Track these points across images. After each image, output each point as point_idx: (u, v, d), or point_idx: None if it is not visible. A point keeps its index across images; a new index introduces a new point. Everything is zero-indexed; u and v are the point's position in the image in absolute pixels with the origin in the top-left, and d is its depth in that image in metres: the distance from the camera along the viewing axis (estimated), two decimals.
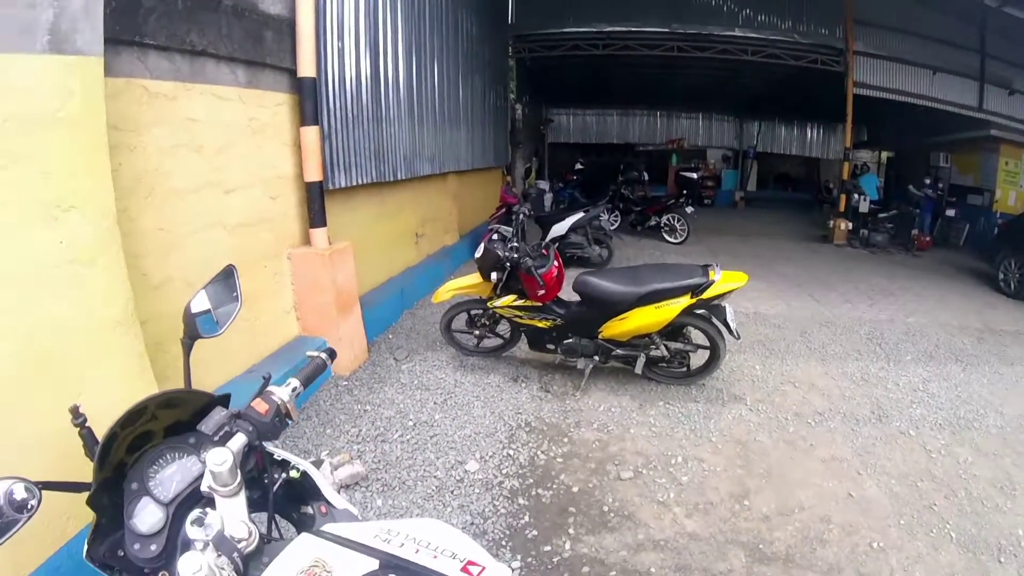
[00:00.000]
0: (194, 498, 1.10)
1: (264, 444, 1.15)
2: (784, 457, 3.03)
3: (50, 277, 1.82)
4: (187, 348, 1.27)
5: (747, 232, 9.71)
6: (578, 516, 2.59)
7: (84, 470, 1.15)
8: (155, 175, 2.56)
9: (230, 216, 3.09)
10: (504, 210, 7.63)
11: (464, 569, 0.95)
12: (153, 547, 1.05)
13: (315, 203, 3.70)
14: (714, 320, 3.43)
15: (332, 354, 1.35)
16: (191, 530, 0.94)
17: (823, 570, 2.26)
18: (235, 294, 1.35)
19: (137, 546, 1.05)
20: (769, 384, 3.88)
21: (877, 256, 8.68)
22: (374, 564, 0.95)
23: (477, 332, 4.14)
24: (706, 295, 3.27)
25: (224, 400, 1.19)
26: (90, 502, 1.07)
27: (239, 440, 1.06)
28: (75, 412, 1.17)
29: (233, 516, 1.01)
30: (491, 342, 4.24)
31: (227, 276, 1.36)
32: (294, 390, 1.20)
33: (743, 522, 2.52)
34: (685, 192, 9.12)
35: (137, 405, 1.10)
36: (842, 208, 9.51)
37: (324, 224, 3.75)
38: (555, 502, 2.68)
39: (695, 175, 10.25)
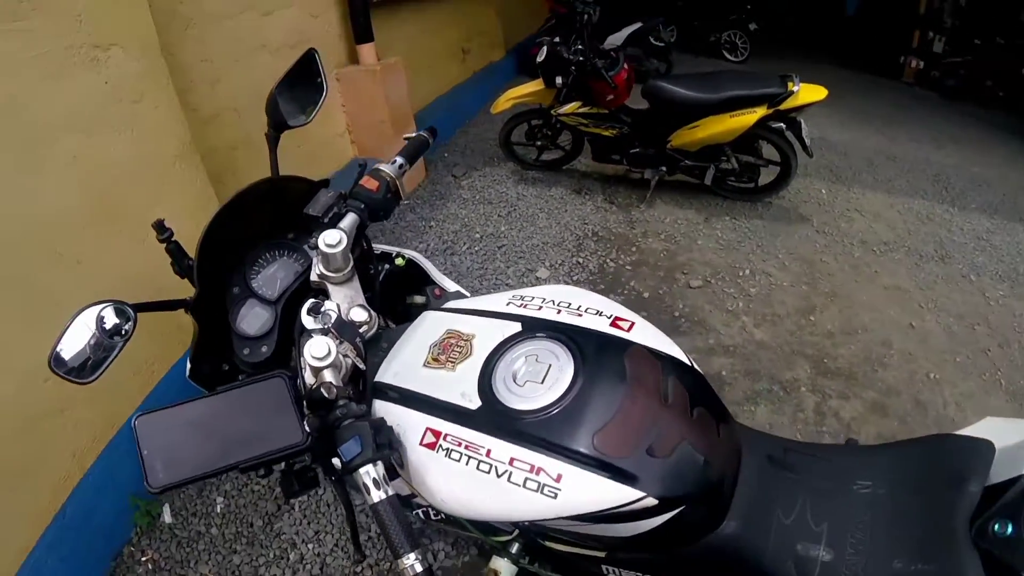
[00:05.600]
0: (301, 295, 1.04)
1: (367, 236, 1.08)
2: (849, 280, 3.00)
3: (102, 120, 1.73)
4: (273, 141, 1.13)
5: (816, 60, 8.50)
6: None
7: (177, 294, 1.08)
8: (190, 5, 2.34)
9: (272, 38, 2.86)
10: (553, 21, 6.91)
11: (614, 324, 0.90)
12: (264, 349, 1.00)
13: (359, 16, 3.36)
14: (787, 135, 3.24)
15: (433, 132, 1.22)
16: (307, 320, 0.85)
17: (882, 390, 2.32)
18: (319, 80, 1.19)
19: (247, 351, 1.00)
20: (836, 209, 3.74)
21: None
22: (515, 327, 0.90)
23: (538, 144, 3.98)
24: (784, 106, 3.04)
25: (325, 184, 1.09)
26: (192, 312, 1.00)
27: (350, 219, 0.98)
28: (159, 227, 1.06)
29: (350, 301, 0.96)
30: (551, 155, 4.09)
31: (309, 62, 1.18)
32: (400, 167, 1.10)
33: (808, 336, 2.57)
34: (749, 7, 8.14)
35: (234, 197, 0.99)
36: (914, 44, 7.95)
37: (371, 39, 3.43)
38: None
39: None
